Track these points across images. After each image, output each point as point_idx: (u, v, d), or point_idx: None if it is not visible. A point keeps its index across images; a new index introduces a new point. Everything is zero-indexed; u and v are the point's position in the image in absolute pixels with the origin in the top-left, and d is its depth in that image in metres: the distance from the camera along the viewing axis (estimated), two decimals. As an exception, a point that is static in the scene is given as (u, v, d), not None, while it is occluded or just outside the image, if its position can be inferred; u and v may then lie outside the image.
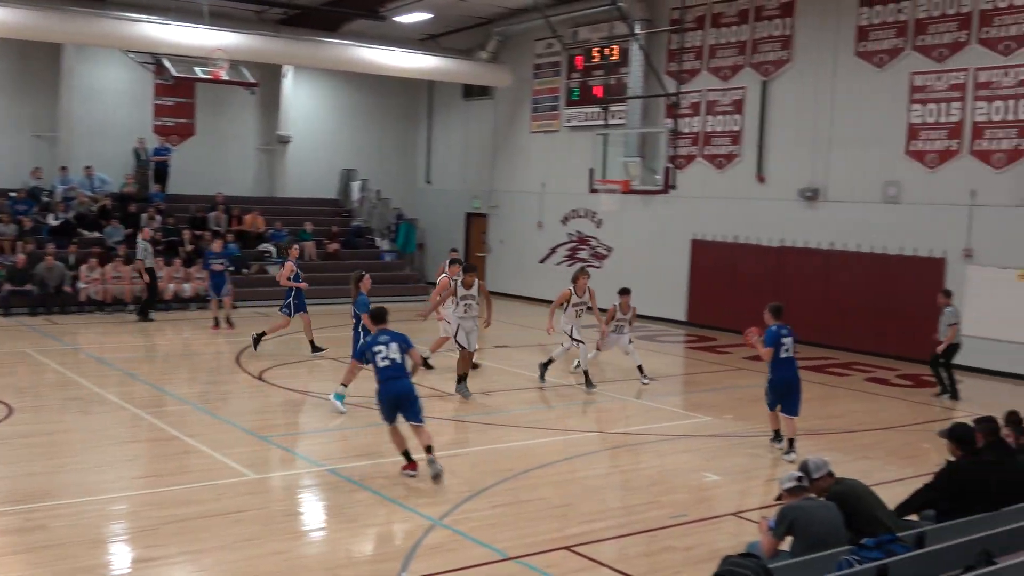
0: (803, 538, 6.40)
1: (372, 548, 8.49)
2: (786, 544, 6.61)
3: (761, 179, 21.87)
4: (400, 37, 27.54)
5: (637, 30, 22.51)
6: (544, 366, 15.69)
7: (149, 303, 21.68)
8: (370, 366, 10.44)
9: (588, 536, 8.56)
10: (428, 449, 9.99)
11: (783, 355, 11.43)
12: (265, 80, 28.02)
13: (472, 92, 30.07)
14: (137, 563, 7.79)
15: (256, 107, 29.32)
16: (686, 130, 23.13)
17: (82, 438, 11.57)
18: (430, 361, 16.10)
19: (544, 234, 27.45)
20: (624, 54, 24.30)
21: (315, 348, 17.33)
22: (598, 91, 24.76)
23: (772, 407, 11.72)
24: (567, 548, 8.20)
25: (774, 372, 11.52)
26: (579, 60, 25.85)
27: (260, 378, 15.42)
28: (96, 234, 24.44)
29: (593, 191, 21.22)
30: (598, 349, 15.49)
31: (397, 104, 31.92)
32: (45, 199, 25.06)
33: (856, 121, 20.04)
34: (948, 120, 18.59)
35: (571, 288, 15.38)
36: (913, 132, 19.12)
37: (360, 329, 13.72)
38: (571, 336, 15.34)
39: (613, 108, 23.26)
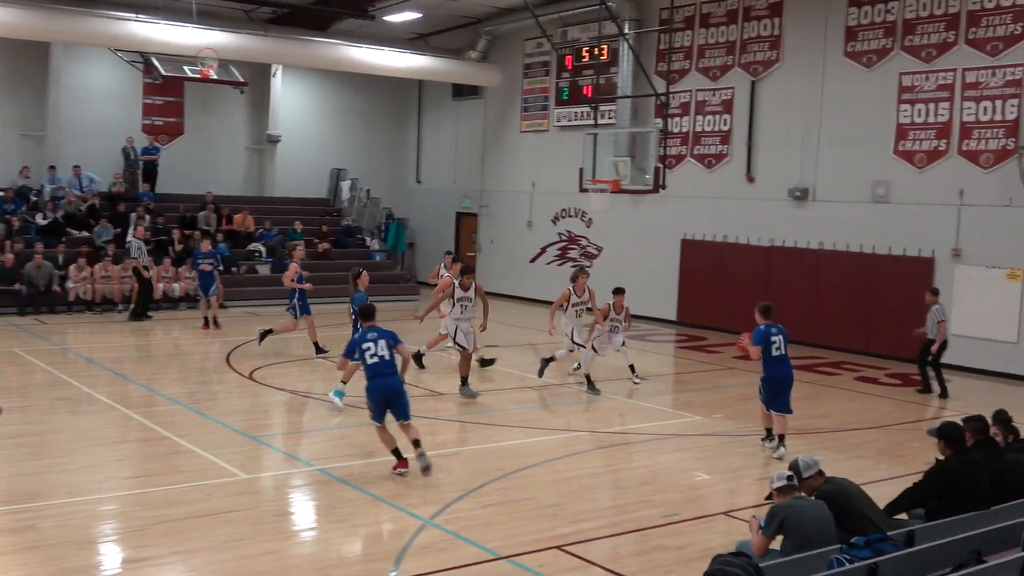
0: (793, 537, 6.42)
1: (363, 548, 8.48)
2: (777, 543, 6.63)
3: (750, 179, 21.92)
4: (389, 36, 27.53)
5: (626, 30, 22.54)
6: (545, 362, 15.72)
7: (145, 302, 21.64)
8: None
9: (579, 535, 8.57)
10: (416, 443, 10.08)
11: (775, 353, 11.50)
12: (254, 79, 27.98)
13: (462, 92, 30.06)
14: (127, 563, 7.77)
15: (245, 106, 29.26)
16: (676, 130, 23.17)
17: (71, 438, 11.52)
18: (424, 360, 16.13)
19: (534, 234, 27.46)
20: (614, 54, 24.29)
21: (319, 350, 17.22)
22: (588, 91, 24.76)
23: (767, 404, 11.76)
24: (558, 547, 8.21)
25: (767, 370, 11.59)
26: (569, 60, 25.84)
27: (250, 378, 15.39)
28: (85, 233, 24.36)
29: (583, 191, 21.21)
30: (595, 351, 15.38)
31: (387, 104, 31.90)
32: (33, 198, 24.97)
33: (845, 121, 20.10)
34: (936, 120, 18.66)
35: (570, 288, 15.36)
36: (902, 132, 19.19)
37: (359, 326, 13.71)
38: (572, 339, 15.29)
39: (603, 108, 23.26)
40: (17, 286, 21.38)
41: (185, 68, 24.05)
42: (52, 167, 25.51)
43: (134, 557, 7.81)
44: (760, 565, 5.62)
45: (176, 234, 24.76)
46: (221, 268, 21.74)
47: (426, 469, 9.94)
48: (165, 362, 17.83)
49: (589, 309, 15.52)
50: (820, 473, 7.10)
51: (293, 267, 17.51)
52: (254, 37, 24.68)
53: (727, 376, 17.26)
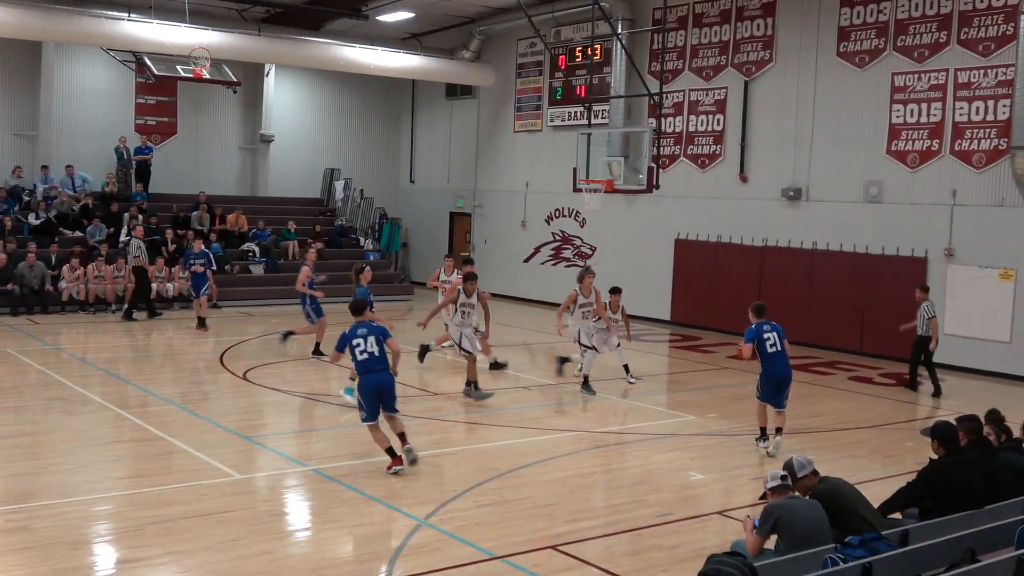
0: (788, 537, 6.42)
1: (358, 548, 8.47)
2: (771, 543, 6.64)
3: (744, 179, 21.95)
4: (383, 36, 27.51)
5: (620, 30, 22.55)
6: (562, 360, 15.92)
7: (143, 301, 21.65)
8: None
9: (574, 535, 8.57)
10: (402, 436, 10.23)
11: (769, 350, 11.62)
12: (247, 79, 27.94)
13: (455, 91, 30.06)
14: (121, 564, 7.75)
15: (238, 106, 29.22)
16: (669, 130, 23.19)
17: (65, 439, 11.49)
18: (427, 356, 16.21)
19: (528, 233, 27.46)
20: (607, 54, 24.34)
21: (317, 351, 17.14)
22: (581, 91, 24.79)
23: (763, 400, 11.84)
24: (553, 547, 8.21)
25: (764, 367, 11.74)
26: (562, 60, 25.87)
27: (244, 378, 15.37)
28: (78, 233, 24.31)
29: (577, 191, 21.20)
30: (595, 349, 15.38)
31: (380, 103, 31.89)
32: (26, 198, 24.90)
33: (838, 121, 20.15)
34: (929, 120, 18.70)
35: (577, 289, 15.26)
36: (894, 132, 19.23)
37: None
38: (579, 342, 15.24)
39: (596, 108, 23.27)
40: (10, 286, 21.33)
41: (178, 68, 24.02)
42: (45, 167, 25.44)
43: (128, 558, 7.80)
44: (755, 565, 5.63)
45: (169, 234, 24.72)
46: (214, 268, 21.72)
47: (413, 462, 10.20)
48: (159, 362, 17.80)
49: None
50: (814, 473, 7.11)
51: (304, 270, 17.19)
52: (247, 37, 24.65)
53: (721, 376, 17.28)
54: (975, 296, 17.94)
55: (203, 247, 21.12)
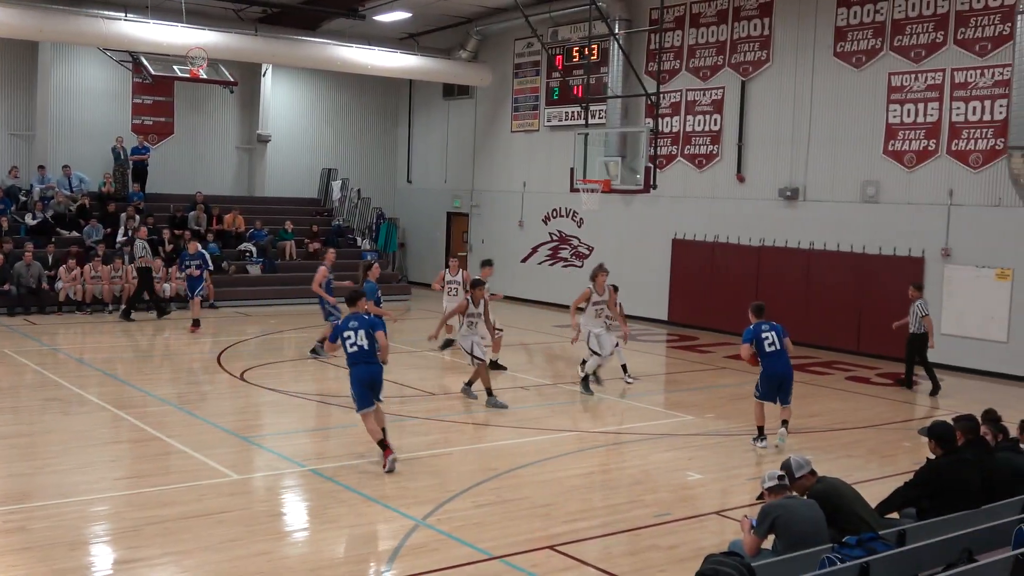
0: (785, 536, 6.43)
1: (355, 548, 8.47)
2: (769, 543, 6.65)
3: (741, 179, 21.97)
4: (380, 36, 27.51)
5: (617, 30, 22.56)
6: (588, 369, 15.35)
7: (155, 300, 21.76)
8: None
9: (572, 535, 8.58)
10: (383, 444, 10.38)
11: (768, 349, 11.74)
12: (244, 79, 27.91)
13: (452, 91, 30.05)
14: (119, 564, 7.75)
15: (235, 106, 29.20)
16: (666, 130, 23.18)
17: (62, 439, 11.48)
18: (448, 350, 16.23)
19: (525, 233, 27.46)
20: (604, 54, 24.36)
21: (316, 350, 17.07)
22: (578, 91, 24.78)
23: (762, 398, 11.93)
24: (551, 547, 8.22)
25: (763, 366, 11.85)
26: (559, 59, 25.87)
27: (242, 378, 15.37)
28: (74, 233, 24.28)
29: (574, 191, 21.20)
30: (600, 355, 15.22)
31: (377, 103, 31.88)
32: (23, 198, 24.87)
33: (835, 121, 20.17)
34: (926, 120, 18.73)
35: (590, 287, 15.05)
36: (891, 132, 19.25)
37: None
38: (587, 343, 15.01)
39: (593, 107, 23.30)
40: (7, 286, 21.31)
41: (175, 68, 23.99)
42: (42, 167, 25.41)
43: (126, 558, 7.79)
44: (752, 565, 5.64)
45: (166, 234, 24.70)
46: (211, 268, 21.72)
47: (391, 471, 10.25)
48: (156, 362, 17.79)
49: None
50: (812, 473, 7.12)
51: (322, 270, 16.86)
52: (244, 37, 24.63)
53: (718, 376, 17.30)
54: (972, 296, 17.97)
55: (198, 248, 21.09)
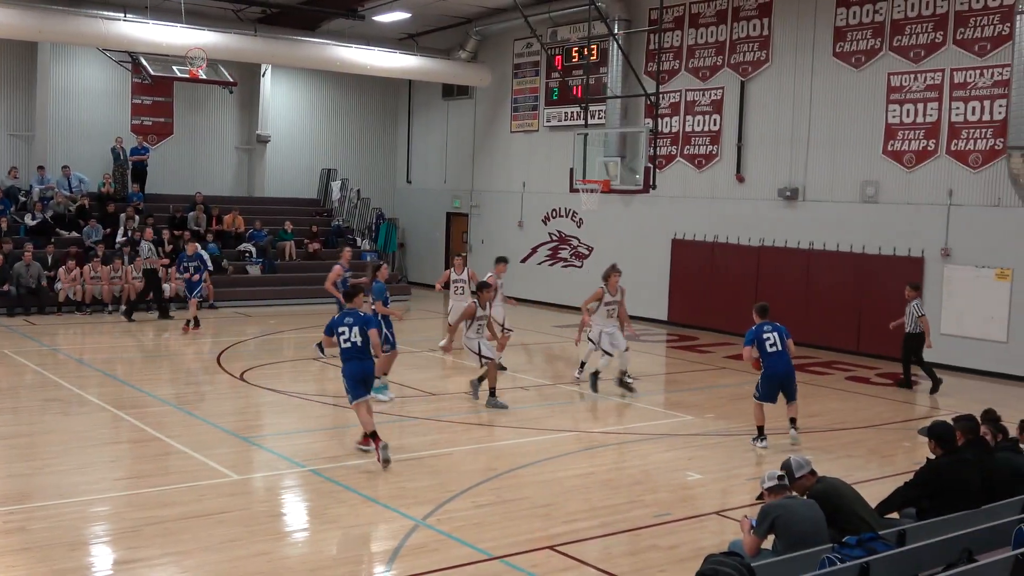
0: (785, 536, 6.43)
1: (355, 548, 8.48)
2: (768, 543, 6.65)
3: (740, 179, 21.98)
4: (379, 36, 27.50)
5: (616, 30, 22.56)
6: (594, 376, 15.15)
7: (160, 301, 21.78)
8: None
9: (572, 535, 8.58)
10: (375, 435, 10.55)
11: (769, 350, 11.80)
12: (243, 79, 27.92)
13: (452, 92, 30.05)
14: (119, 565, 7.75)
15: (235, 106, 29.21)
16: (665, 130, 23.18)
17: (62, 439, 11.48)
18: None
19: (525, 234, 27.46)
20: (603, 54, 24.36)
21: (322, 347, 16.93)
22: (577, 91, 24.79)
23: (762, 399, 11.96)
24: (551, 547, 8.22)
25: (765, 366, 11.88)
26: (558, 60, 25.86)
27: (241, 378, 15.37)
28: (74, 234, 24.28)
29: (573, 191, 21.21)
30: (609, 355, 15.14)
31: (377, 103, 31.89)
32: (22, 199, 24.87)
33: (834, 121, 20.17)
34: (925, 120, 18.73)
35: (603, 286, 14.89)
36: (890, 132, 19.26)
37: (379, 319, 13.76)
38: (599, 344, 14.90)
39: (593, 108, 23.30)
40: (6, 286, 21.30)
41: (174, 68, 23.99)
42: (41, 167, 25.41)
43: (126, 558, 7.79)
44: (752, 565, 5.64)
45: (166, 234, 24.70)
46: (210, 268, 21.68)
47: (386, 461, 10.38)
48: (156, 363, 17.79)
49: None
50: (812, 473, 7.13)
51: (337, 269, 16.53)
52: (243, 37, 24.62)
53: (718, 376, 17.30)
54: (971, 296, 17.97)
55: (197, 250, 21.08)
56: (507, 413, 13.43)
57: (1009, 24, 17.44)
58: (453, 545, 8.22)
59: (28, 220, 24.15)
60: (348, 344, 10.69)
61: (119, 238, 24.22)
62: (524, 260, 27.43)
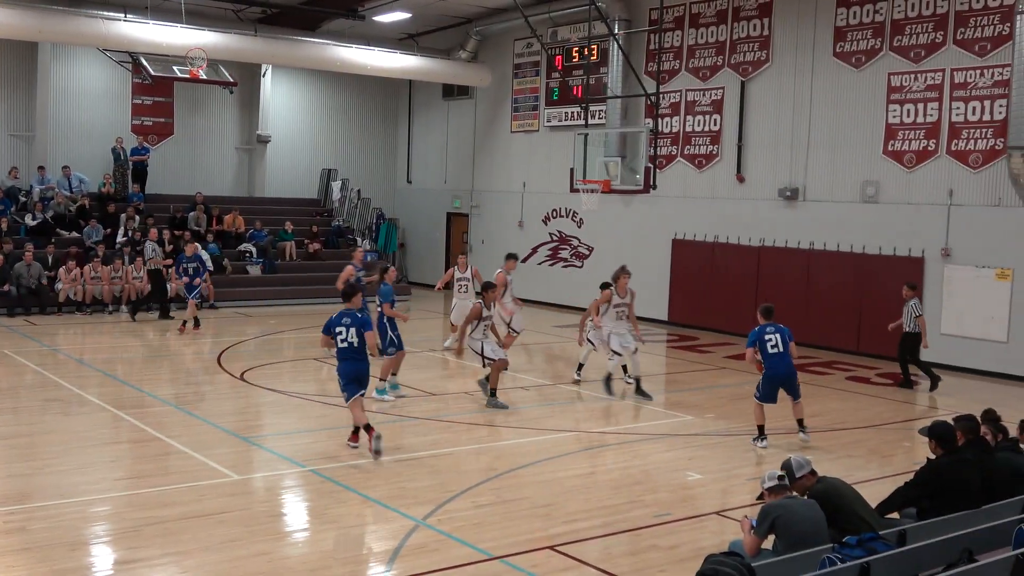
0: (785, 537, 6.43)
1: (355, 549, 8.48)
2: (769, 543, 6.65)
3: (741, 179, 21.97)
4: (379, 36, 27.51)
5: (616, 30, 22.56)
6: (608, 380, 15.06)
7: (162, 302, 21.82)
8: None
9: (572, 535, 8.58)
10: (368, 428, 10.76)
11: (771, 351, 11.84)
12: (244, 79, 27.92)
13: (452, 92, 30.05)
14: (119, 565, 7.75)
15: (235, 106, 29.21)
16: (666, 130, 23.18)
17: (62, 439, 11.48)
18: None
19: (525, 234, 27.46)
20: (603, 54, 24.36)
21: None
22: (578, 91, 24.79)
23: (762, 399, 11.97)
24: (551, 547, 8.22)
25: (765, 367, 11.91)
26: (559, 60, 25.87)
27: (242, 378, 15.37)
28: (74, 234, 24.28)
29: (574, 191, 21.22)
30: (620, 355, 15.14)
31: (377, 104, 31.89)
32: (23, 199, 24.87)
33: (834, 121, 20.18)
34: (925, 120, 18.73)
35: (612, 288, 14.85)
36: (891, 132, 19.26)
37: (385, 321, 13.82)
38: (608, 345, 14.84)
39: (593, 108, 23.30)
40: (7, 287, 21.30)
41: (174, 68, 23.99)
42: (41, 168, 25.41)
43: (126, 559, 7.79)
44: (752, 565, 5.64)
45: (166, 235, 24.69)
46: (210, 269, 21.66)
47: (378, 452, 10.64)
48: (156, 363, 17.78)
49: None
50: (812, 473, 7.13)
51: (349, 268, 16.40)
52: (243, 37, 24.62)
53: (719, 376, 17.29)
54: (972, 296, 17.97)
55: (196, 250, 21.06)
56: (507, 413, 13.44)
57: (1009, 24, 17.44)
58: (453, 545, 8.22)
59: (28, 220, 24.15)
60: (345, 344, 10.86)
61: (119, 238, 24.22)
62: (524, 260, 27.35)
